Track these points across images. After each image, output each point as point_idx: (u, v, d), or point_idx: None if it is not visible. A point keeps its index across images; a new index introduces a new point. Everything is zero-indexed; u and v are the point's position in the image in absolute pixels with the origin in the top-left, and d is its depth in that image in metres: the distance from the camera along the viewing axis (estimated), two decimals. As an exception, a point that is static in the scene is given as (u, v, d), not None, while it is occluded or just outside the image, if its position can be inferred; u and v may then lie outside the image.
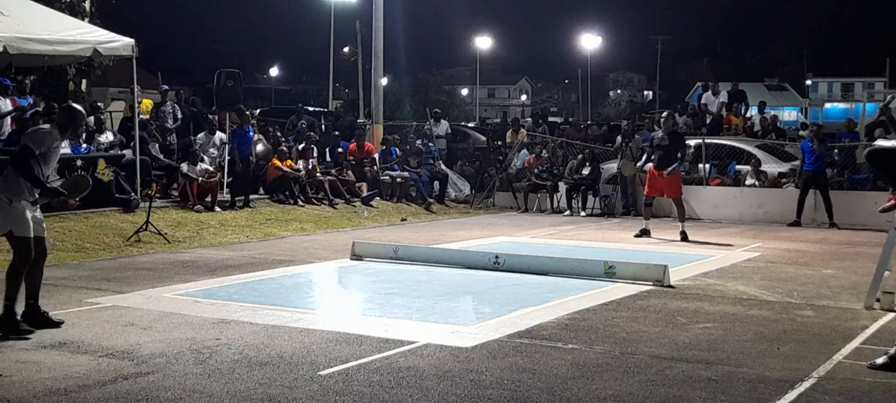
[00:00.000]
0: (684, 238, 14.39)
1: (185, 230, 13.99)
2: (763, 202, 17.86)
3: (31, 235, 7.24)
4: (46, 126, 7.65)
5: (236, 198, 16.54)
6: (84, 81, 21.84)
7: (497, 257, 10.96)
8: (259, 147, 18.06)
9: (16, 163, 7.25)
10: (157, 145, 17.36)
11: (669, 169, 14.38)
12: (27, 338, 7.04)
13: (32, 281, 7.39)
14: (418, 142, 21.47)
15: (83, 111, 7.93)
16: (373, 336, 7.23)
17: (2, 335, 7.07)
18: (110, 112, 22.16)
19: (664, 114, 15.75)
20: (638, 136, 20.05)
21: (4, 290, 7.26)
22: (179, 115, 18.60)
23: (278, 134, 19.92)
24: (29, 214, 7.26)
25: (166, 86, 19.24)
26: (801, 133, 26.13)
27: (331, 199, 18.04)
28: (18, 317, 7.24)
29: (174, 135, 18.36)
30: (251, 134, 17.42)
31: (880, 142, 7.56)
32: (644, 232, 14.83)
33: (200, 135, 18.22)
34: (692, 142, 19.21)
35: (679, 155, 14.74)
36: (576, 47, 78.99)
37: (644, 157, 15.56)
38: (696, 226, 15.99)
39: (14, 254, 7.30)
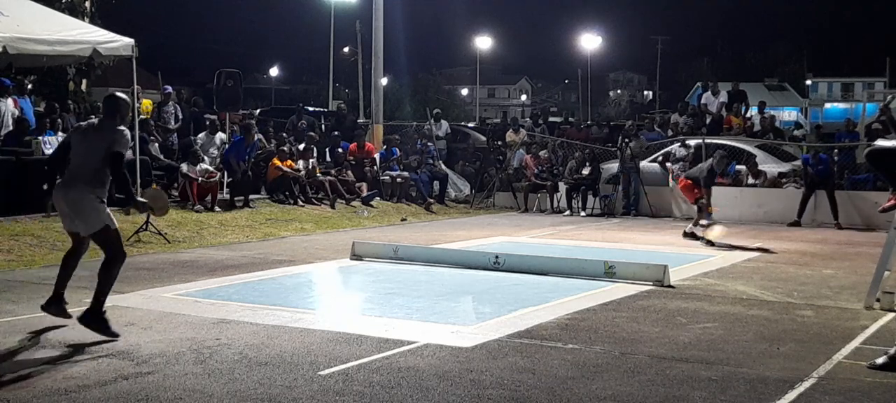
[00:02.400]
0: (698, 238, 14.20)
1: (185, 230, 13.99)
2: (763, 202, 17.86)
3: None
4: (122, 126, 7.34)
5: (236, 198, 16.54)
6: (84, 81, 21.88)
7: (497, 257, 10.96)
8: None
9: (117, 173, 7.22)
10: (156, 145, 17.35)
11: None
12: (116, 337, 7.04)
13: (70, 271, 7.49)
14: (419, 143, 21.50)
15: (126, 98, 7.65)
16: (373, 336, 7.23)
17: (94, 329, 7.04)
18: (110, 112, 22.15)
19: (719, 155, 14.97)
20: (642, 137, 20.06)
21: (98, 287, 7.20)
22: (180, 116, 18.61)
23: (280, 136, 19.85)
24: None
25: (169, 88, 19.24)
26: (795, 133, 26.14)
27: (331, 199, 18.04)
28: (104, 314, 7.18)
29: (176, 135, 18.36)
30: (249, 152, 17.29)
31: (880, 142, 7.54)
32: (708, 242, 14.04)
33: (201, 135, 18.23)
34: (692, 142, 19.24)
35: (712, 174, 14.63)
36: (576, 47, 79.13)
37: (680, 164, 15.52)
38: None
39: (108, 251, 7.26)
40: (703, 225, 14.29)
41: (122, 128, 7.28)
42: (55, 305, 7.47)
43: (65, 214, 7.39)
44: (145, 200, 7.96)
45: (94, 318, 7.10)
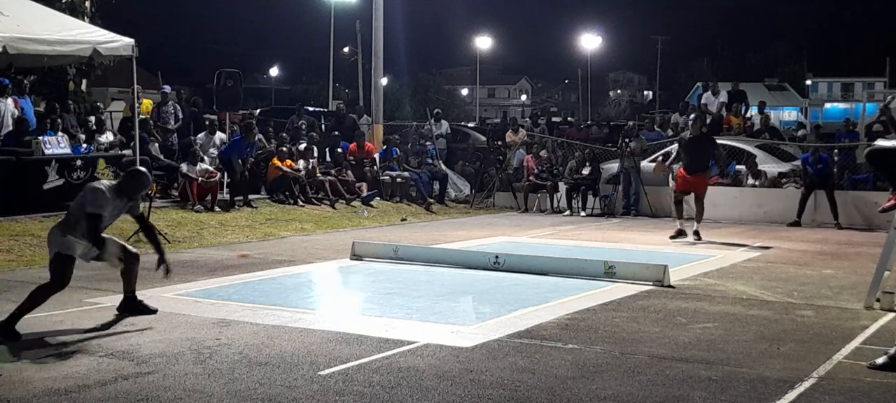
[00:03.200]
0: (698, 237, 14.12)
1: (185, 230, 13.98)
2: (763, 202, 17.86)
3: (76, 257, 7.39)
4: (103, 187, 7.62)
5: (236, 198, 16.53)
6: (84, 81, 21.86)
7: (497, 257, 10.96)
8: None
9: (89, 231, 7.44)
10: (156, 145, 17.35)
11: (709, 173, 14.67)
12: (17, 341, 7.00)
13: (130, 280, 7.87)
14: (418, 142, 21.50)
15: (148, 176, 7.98)
16: (373, 336, 7.23)
17: None
18: (110, 112, 22.19)
19: (693, 116, 15.42)
20: (642, 136, 20.06)
21: (22, 302, 7.25)
22: (180, 116, 18.61)
23: (280, 136, 19.81)
24: (79, 247, 7.41)
25: (168, 88, 19.25)
26: (798, 133, 26.12)
27: (331, 199, 18.04)
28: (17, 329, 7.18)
29: (175, 135, 18.37)
30: (250, 149, 17.32)
31: (880, 142, 7.55)
32: (680, 233, 14.18)
33: (201, 135, 18.24)
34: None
35: (714, 157, 14.87)
36: (576, 47, 79.17)
37: (673, 156, 15.63)
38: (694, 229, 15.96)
39: (51, 276, 7.37)
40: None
41: (97, 187, 7.55)
42: (130, 304, 7.85)
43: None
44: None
45: (3, 332, 7.08)
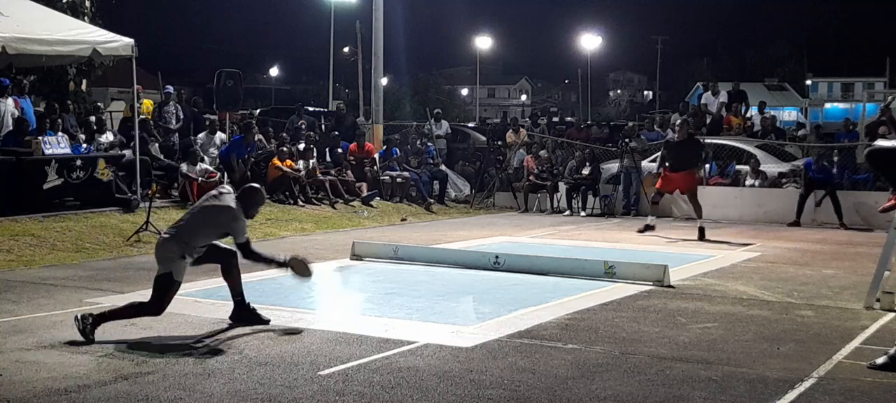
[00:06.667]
0: (701, 236, 14.36)
1: (185, 230, 13.96)
2: (763, 202, 17.86)
3: (180, 283, 7.31)
4: (235, 206, 7.70)
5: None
6: (84, 81, 21.84)
7: (497, 257, 10.95)
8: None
9: (248, 255, 7.63)
10: (157, 145, 17.35)
11: (697, 171, 15.23)
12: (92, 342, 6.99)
13: (234, 282, 7.73)
14: (418, 142, 21.50)
15: (263, 192, 8.18)
16: (373, 337, 7.23)
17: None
18: (110, 112, 22.19)
19: (678, 121, 15.81)
20: (642, 136, 20.05)
21: (110, 309, 7.29)
22: (181, 116, 18.61)
23: (280, 136, 19.79)
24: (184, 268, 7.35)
25: (171, 88, 19.24)
26: (798, 133, 26.11)
27: (331, 199, 18.03)
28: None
29: (177, 135, 18.36)
30: (250, 149, 17.32)
31: (880, 142, 7.55)
32: (648, 228, 14.94)
33: (201, 135, 18.23)
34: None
35: (700, 157, 15.46)
36: (576, 47, 79.23)
37: (658, 162, 15.88)
38: (697, 226, 15.97)
39: (152, 295, 7.28)
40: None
41: (234, 210, 7.68)
42: (238, 312, 7.72)
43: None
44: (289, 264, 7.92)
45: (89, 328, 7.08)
